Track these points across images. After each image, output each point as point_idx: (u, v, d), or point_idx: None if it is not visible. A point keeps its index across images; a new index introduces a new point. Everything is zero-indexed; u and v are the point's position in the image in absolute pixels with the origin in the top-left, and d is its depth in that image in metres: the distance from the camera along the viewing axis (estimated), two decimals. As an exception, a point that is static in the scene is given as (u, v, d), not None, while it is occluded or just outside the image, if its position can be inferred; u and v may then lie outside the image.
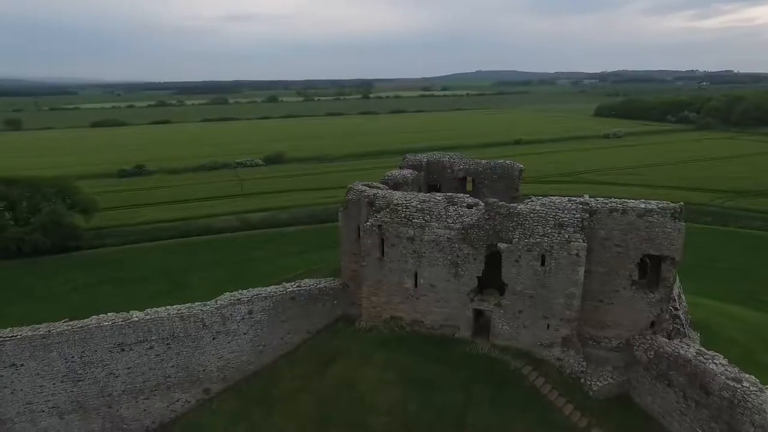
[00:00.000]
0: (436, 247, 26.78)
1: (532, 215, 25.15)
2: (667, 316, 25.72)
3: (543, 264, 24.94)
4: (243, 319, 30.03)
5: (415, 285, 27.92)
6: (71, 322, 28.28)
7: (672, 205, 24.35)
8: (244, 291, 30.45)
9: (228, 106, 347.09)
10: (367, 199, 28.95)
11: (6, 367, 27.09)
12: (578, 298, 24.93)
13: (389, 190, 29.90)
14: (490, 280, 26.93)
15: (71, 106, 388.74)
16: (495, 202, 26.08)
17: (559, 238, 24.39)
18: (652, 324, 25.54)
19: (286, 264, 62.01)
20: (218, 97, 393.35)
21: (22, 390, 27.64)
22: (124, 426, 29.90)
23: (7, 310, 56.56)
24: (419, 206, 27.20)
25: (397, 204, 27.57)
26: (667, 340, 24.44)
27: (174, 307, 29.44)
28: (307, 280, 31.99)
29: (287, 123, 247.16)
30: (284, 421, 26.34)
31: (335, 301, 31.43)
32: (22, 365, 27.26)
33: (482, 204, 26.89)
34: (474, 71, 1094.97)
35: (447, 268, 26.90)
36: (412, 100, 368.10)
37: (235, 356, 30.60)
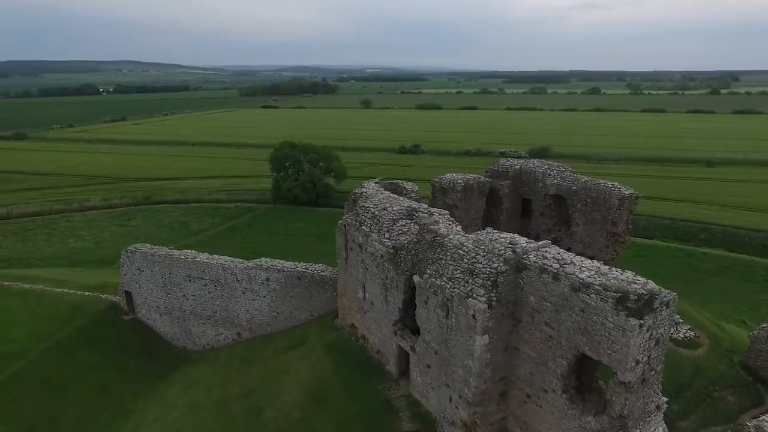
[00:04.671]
0: (373, 261, 23.62)
1: (453, 250, 19.20)
2: (621, 465, 15.51)
3: (447, 316, 18.95)
4: (263, 283, 33.72)
5: (364, 298, 25.38)
6: (169, 250, 38.17)
7: (628, 284, 14.37)
8: (268, 259, 33.94)
9: (542, 96, 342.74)
10: (353, 197, 27.58)
11: (136, 269, 39.11)
12: (480, 377, 17.90)
13: (382, 190, 27.30)
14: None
15: (416, 91, 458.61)
16: (427, 224, 20.99)
17: (461, 288, 18.02)
18: (591, 464, 16.04)
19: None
20: (537, 87, 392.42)
21: (143, 288, 39.38)
22: (191, 339, 38.62)
23: (252, 239, 77.22)
24: (375, 213, 24.30)
25: (361, 206, 25.36)
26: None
27: (222, 257, 35.65)
28: (319, 265, 32.85)
29: (585, 116, 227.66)
30: (237, 381, 29.17)
31: (335, 292, 31.28)
32: (143, 270, 38.78)
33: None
34: None
35: (379, 289, 23.43)
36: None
37: (258, 313, 34.77)
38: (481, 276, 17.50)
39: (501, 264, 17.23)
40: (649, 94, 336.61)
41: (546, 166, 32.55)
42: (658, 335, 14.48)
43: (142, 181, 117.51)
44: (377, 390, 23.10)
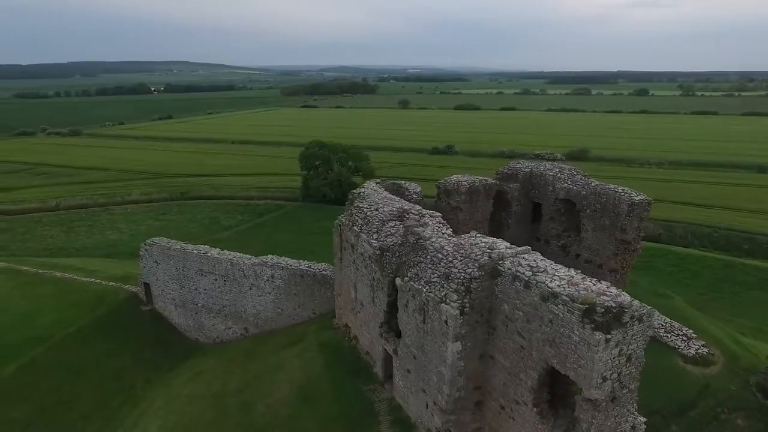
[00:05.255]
0: (363, 262, 23.43)
1: (433, 253, 18.77)
2: (590, 486, 14.66)
3: (424, 321, 18.53)
4: (268, 280, 34.18)
5: (355, 298, 25.24)
6: (183, 244, 39.29)
7: (597, 296, 13.53)
8: (273, 256, 34.33)
9: (585, 97, 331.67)
10: (350, 196, 27.50)
11: (154, 262, 40.51)
12: (452, 384, 17.39)
13: (380, 191, 27.05)
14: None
15: (455, 91, 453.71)
16: (412, 225, 20.62)
17: (437, 292, 17.57)
18: (561, 483, 15.27)
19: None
20: (581, 88, 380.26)
21: (160, 279, 40.74)
22: (202, 332, 39.62)
23: (278, 236, 78.58)
24: (368, 213, 24.11)
25: (356, 207, 25.24)
26: None
27: (231, 253, 36.36)
28: (322, 263, 32.91)
29: (629, 118, 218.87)
30: (237, 375, 29.62)
31: (333, 292, 31.30)
32: (159, 263, 40.12)
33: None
34: None
35: (368, 290, 23.22)
36: None
37: (263, 309, 35.27)
38: (456, 281, 17.02)
39: (475, 269, 16.70)
40: (702, 95, 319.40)
41: (557, 169, 31.43)
42: (629, 352, 13.60)
43: (181, 177, 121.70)
44: (362, 392, 22.92)
